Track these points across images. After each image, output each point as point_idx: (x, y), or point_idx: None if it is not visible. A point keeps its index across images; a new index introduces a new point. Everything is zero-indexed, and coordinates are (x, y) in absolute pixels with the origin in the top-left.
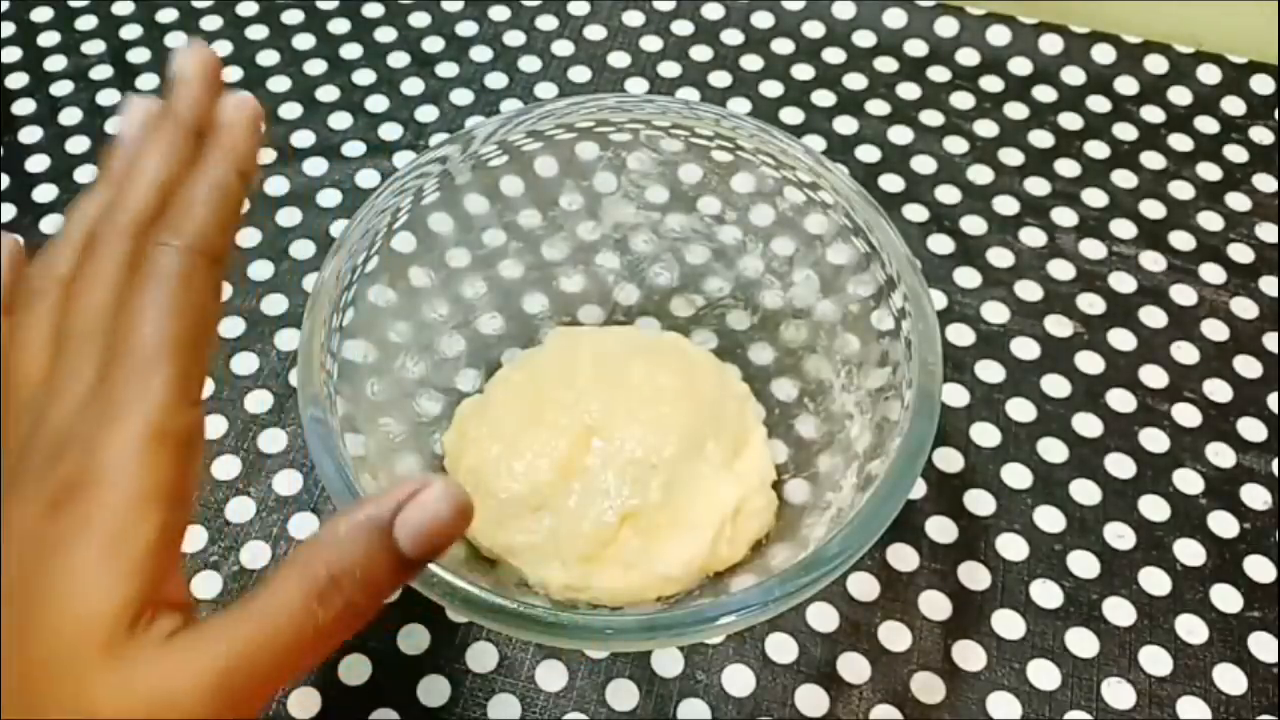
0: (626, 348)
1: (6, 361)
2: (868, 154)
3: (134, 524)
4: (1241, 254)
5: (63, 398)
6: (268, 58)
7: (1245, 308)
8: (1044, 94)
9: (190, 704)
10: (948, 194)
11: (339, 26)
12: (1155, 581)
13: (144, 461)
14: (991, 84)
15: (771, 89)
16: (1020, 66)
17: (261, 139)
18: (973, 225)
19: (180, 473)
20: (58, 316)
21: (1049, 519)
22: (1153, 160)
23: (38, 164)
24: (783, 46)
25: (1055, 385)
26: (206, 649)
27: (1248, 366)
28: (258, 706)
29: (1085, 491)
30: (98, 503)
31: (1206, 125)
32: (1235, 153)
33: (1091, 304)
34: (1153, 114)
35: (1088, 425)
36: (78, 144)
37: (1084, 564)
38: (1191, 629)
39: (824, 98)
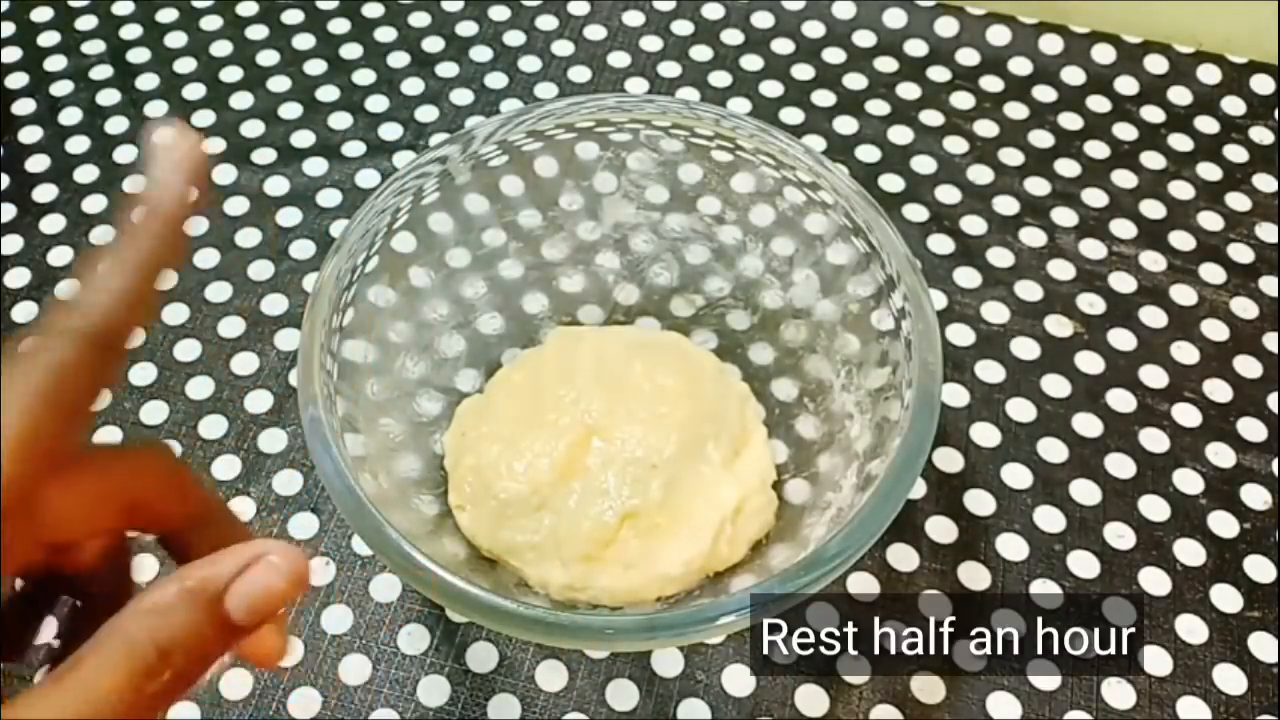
0: (626, 348)
1: None
2: (868, 154)
3: None
4: (1241, 254)
5: None
6: (268, 58)
7: (1245, 308)
8: (1044, 94)
9: None
10: (948, 194)
11: (339, 26)
12: (1155, 581)
13: None
14: (991, 84)
15: (771, 89)
16: (1020, 66)
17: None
18: (973, 225)
19: None
20: None
21: (1049, 519)
22: (1153, 160)
23: (38, 164)
24: (783, 46)
25: (1055, 385)
26: None
27: (1248, 366)
28: None
29: (1085, 491)
30: None
31: (1206, 125)
32: (1235, 153)
33: (1091, 304)
34: (1153, 114)
35: (1088, 425)
36: (78, 144)
37: (1084, 564)
38: (1191, 629)
39: (824, 98)
